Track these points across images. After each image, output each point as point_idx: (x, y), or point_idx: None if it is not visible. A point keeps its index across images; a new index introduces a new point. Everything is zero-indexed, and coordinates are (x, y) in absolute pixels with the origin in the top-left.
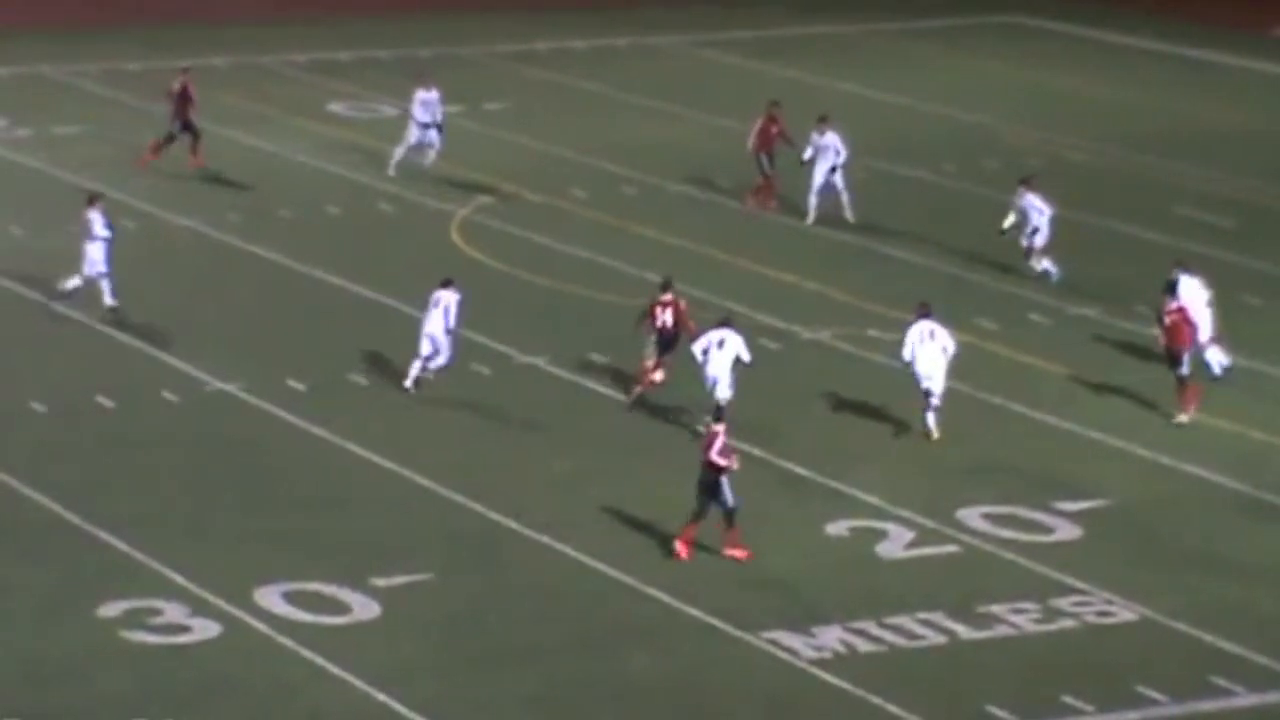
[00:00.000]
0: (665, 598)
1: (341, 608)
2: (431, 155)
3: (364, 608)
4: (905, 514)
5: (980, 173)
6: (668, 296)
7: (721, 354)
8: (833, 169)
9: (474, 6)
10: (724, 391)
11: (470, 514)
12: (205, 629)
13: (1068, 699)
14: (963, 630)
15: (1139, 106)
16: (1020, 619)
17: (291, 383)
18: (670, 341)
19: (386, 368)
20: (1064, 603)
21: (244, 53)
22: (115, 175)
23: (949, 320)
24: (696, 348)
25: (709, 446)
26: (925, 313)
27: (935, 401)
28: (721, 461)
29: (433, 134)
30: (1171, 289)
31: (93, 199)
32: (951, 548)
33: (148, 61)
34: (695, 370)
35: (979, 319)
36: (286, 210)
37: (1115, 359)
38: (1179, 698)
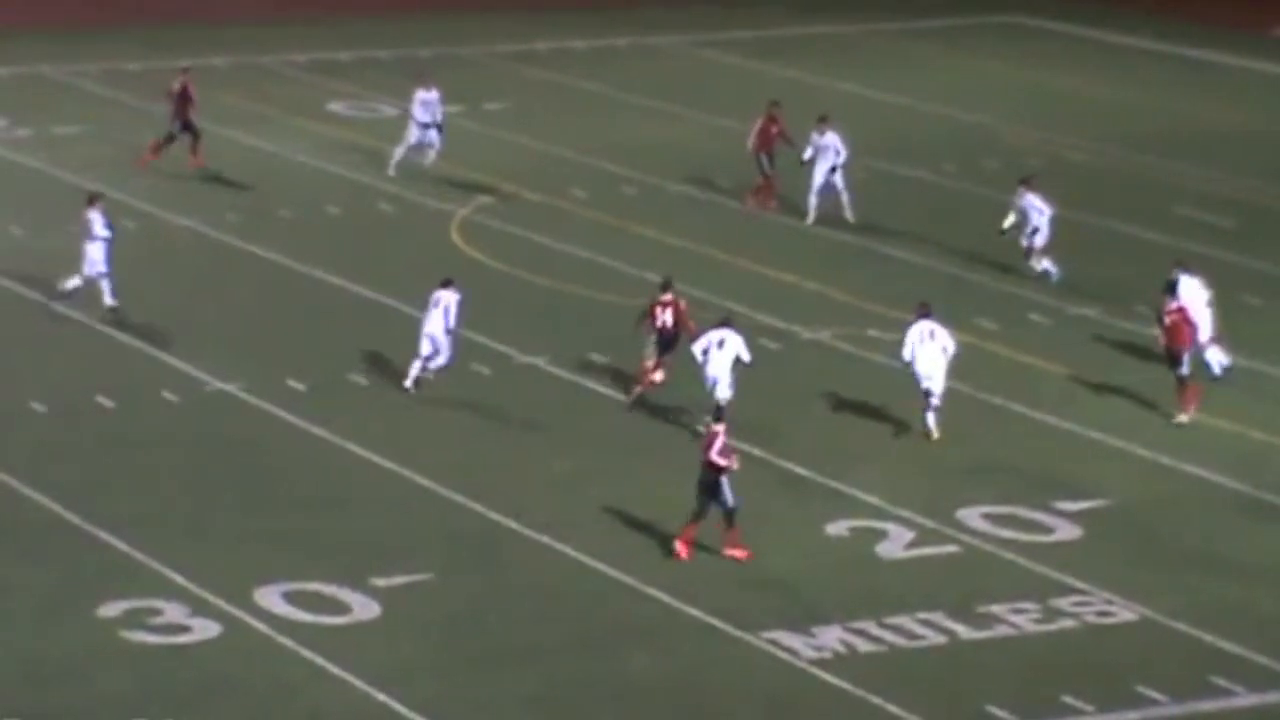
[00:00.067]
0: (665, 598)
1: (341, 608)
2: (432, 155)
3: (364, 608)
4: (905, 514)
5: (980, 173)
6: (668, 296)
7: (722, 354)
8: (833, 169)
9: (474, 6)
10: (724, 391)
11: (470, 514)
12: (205, 629)
13: (1068, 699)
14: (963, 630)
15: (1139, 106)
16: (1020, 619)
17: (291, 383)
18: (670, 341)
19: (386, 368)
20: (1064, 603)
21: (244, 53)
22: (115, 175)
23: (949, 320)
24: (696, 348)
25: (709, 446)
26: (925, 313)
27: (935, 401)
28: (721, 461)
29: (433, 134)
30: (1171, 289)
31: (93, 199)
32: (951, 548)
33: (148, 61)
34: (695, 370)
35: (979, 319)
36: (286, 210)
37: (1115, 359)
38: (1179, 698)
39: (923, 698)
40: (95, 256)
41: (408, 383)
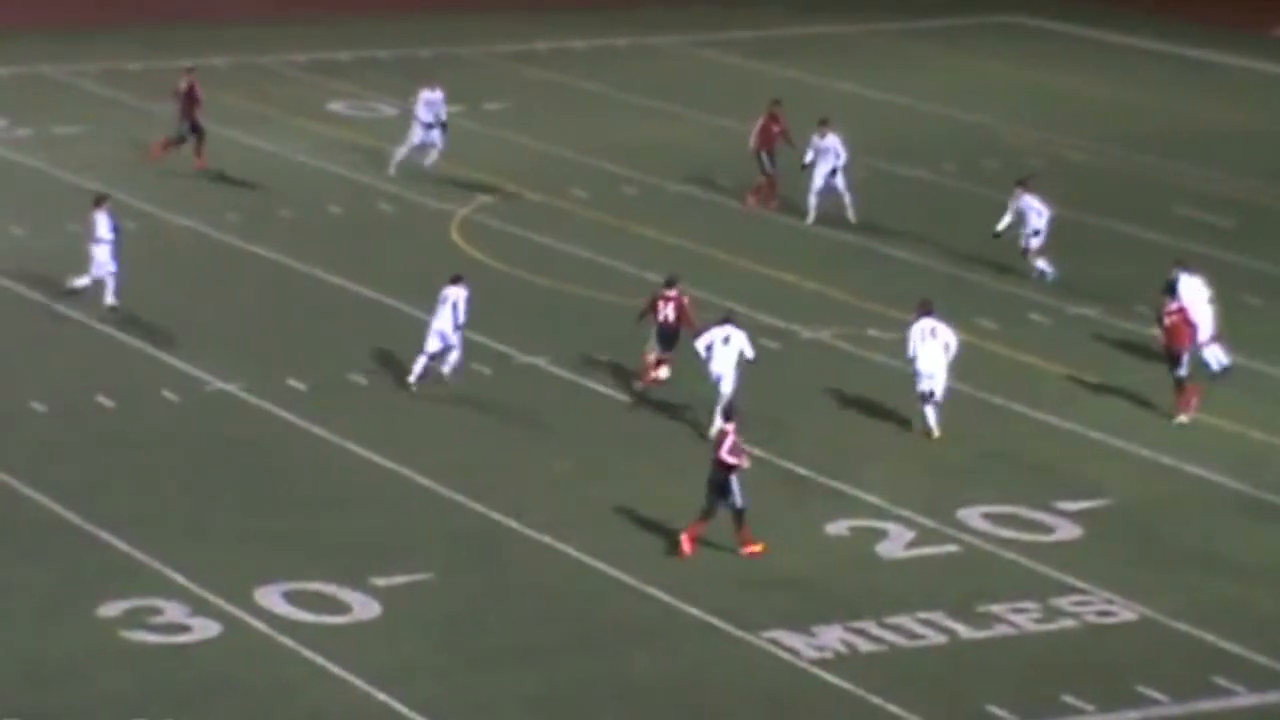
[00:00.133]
0: (665, 598)
1: (341, 607)
2: (433, 155)
3: (364, 607)
4: (905, 514)
5: (980, 173)
6: (672, 292)
7: (727, 349)
8: (833, 171)
9: (474, 6)
10: (727, 387)
11: (470, 514)
12: (205, 629)
13: (1068, 699)
14: (963, 630)
15: (1139, 106)
16: (1020, 619)
17: (291, 383)
18: (671, 337)
19: (387, 368)
20: (1064, 602)
21: (244, 53)
22: (116, 175)
23: (949, 320)
24: (700, 344)
25: (720, 445)
26: (927, 310)
27: (936, 399)
28: (732, 460)
29: (435, 134)
30: (1171, 289)
31: (99, 200)
32: (952, 547)
33: (148, 61)
34: (696, 368)
35: (979, 319)
36: (286, 210)
37: (1115, 359)
38: (1179, 697)
39: (923, 697)
40: (101, 258)
41: (411, 378)
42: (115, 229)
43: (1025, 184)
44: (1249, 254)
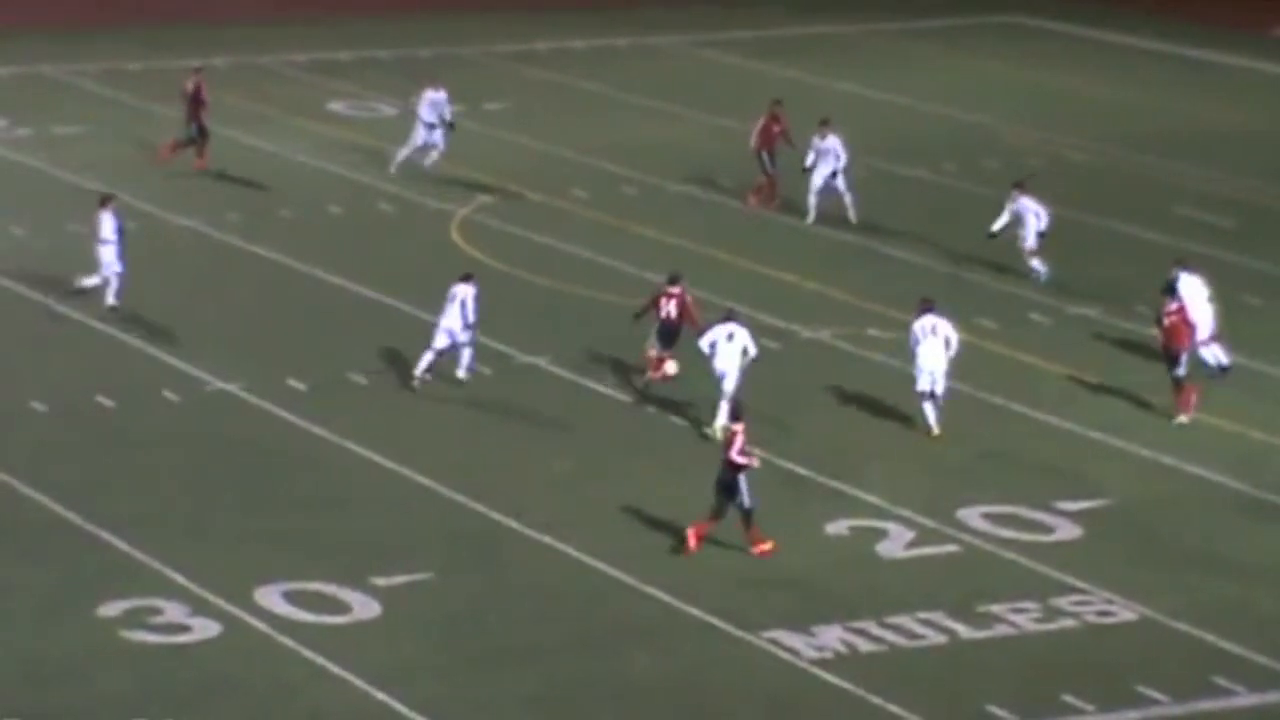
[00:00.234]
0: (665, 598)
1: (341, 607)
2: (434, 155)
3: (364, 607)
4: (905, 513)
5: (980, 173)
6: (675, 289)
7: (731, 346)
8: (833, 173)
9: (474, 6)
10: (730, 385)
11: (470, 514)
12: (205, 629)
13: (1068, 699)
14: (963, 630)
15: (1139, 106)
16: (1020, 618)
17: (291, 383)
18: (672, 334)
19: (387, 368)
20: (1064, 602)
21: (244, 53)
22: (116, 175)
23: (950, 319)
24: (703, 342)
25: (729, 445)
26: (928, 307)
27: (937, 397)
28: (741, 460)
29: (437, 134)
30: (1171, 289)
31: (104, 200)
32: (952, 547)
33: (148, 61)
34: (697, 368)
35: (979, 319)
36: (287, 210)
37: (1115, 359)
38: (1179, 697)
39: (923, 697)
40: (107, 259)
41: (417, 371)
42: (120, 230)
43: (1022, 185)
44: (1249, 254)
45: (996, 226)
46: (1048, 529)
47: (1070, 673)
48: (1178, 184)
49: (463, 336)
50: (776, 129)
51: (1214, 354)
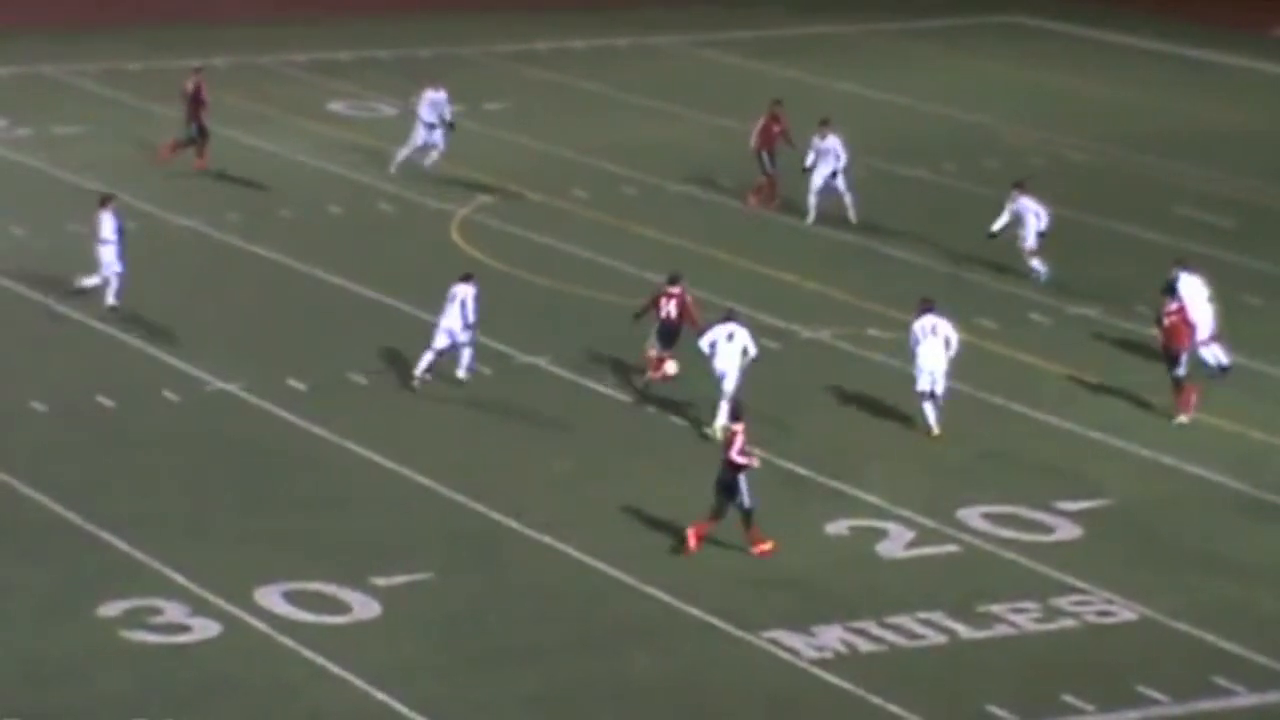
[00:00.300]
0: (665, 598)
1: (341, 607)
2: (434, 155)
3: (364, 607)
4: (905, 513)
5: (980, 173)
6: (675, 289)
7: (731, 346)
8: (833, 173)
9: (474, 6)
10: (730, 385)
11: (470, 514)
12: (205, 629)
13: (1068, 699)
14: (963, 630)
15: (1139, 106)
16: (1020, 619)
17: (291, 383)
18: (672, 334)
19: (386, 368)
20: (1064, 602)
21: (244, 53)
22: (116, 175)
23: (950, 319)
24: (703, 342)
25: (729, 445)
26: (928, 307)
27: (937, 397)
28: (741, 460)
29: (437, 134)
30: (1170, 289)
31: (104, 200)
32: (952, 547)
33: (148, 61)
34: (697, 367)
35: (979, 319)
36: (287, 210)
37: (1115, 359)
38: (1179, 698)
39: (923, 697)
40: (107, 258)
41: (417, 371)
42: (120, 230)
43: (1022, 186)
44: (1249, 254)
45: (996, 226)
46: (1048, 529)
47: (1070, 673)
48: (1178, 184)
49: (463, 336)
50: (777, 129)
51: (1214, 354)
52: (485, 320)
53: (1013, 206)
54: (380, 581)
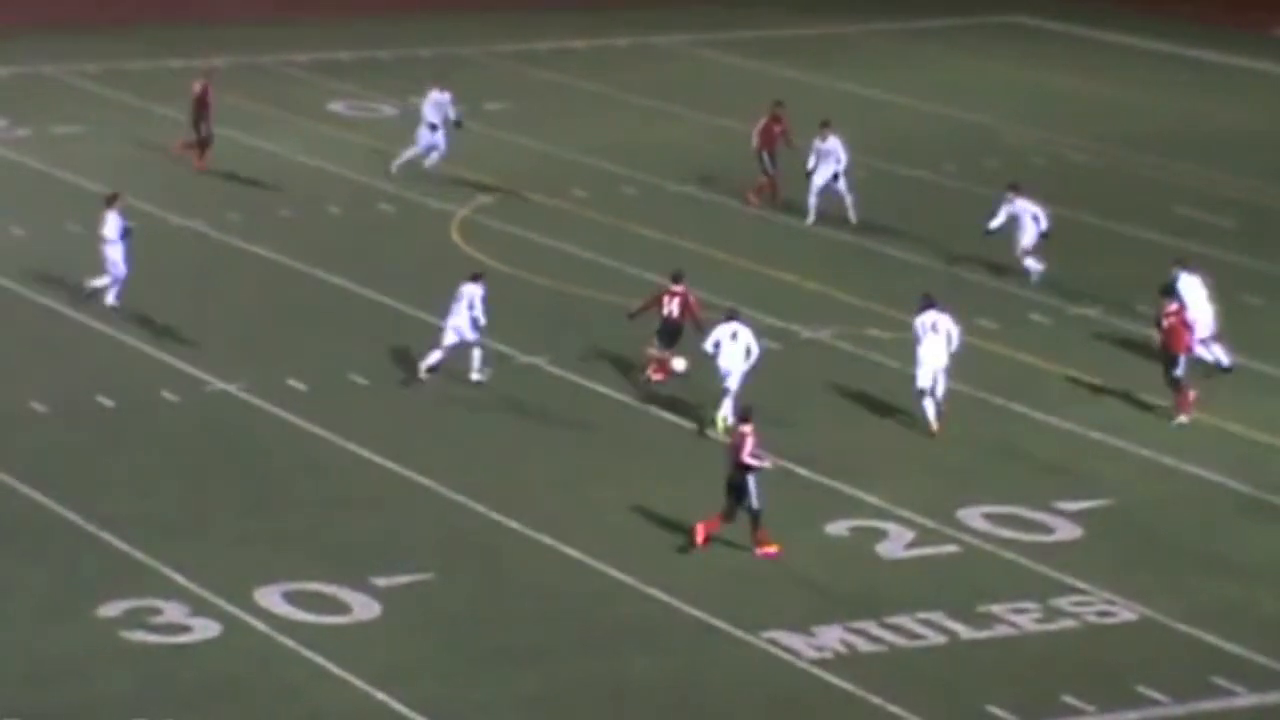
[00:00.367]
0: (665, 598)
1: (341, 608)
2: (434, 156)
3: (364, 608)
4: (905, 514)
5: (980, 173)
6: (678, 288)
7: (735, 345)
8: (835, 175)
9: (474, 6)
10: (734, 384)
11: (470, 514)
12: (205, 629)
13: (1068, 699)
14: (963, 630)
15: (1139, 106)
16: (1020, 619)
17: (291, 383)
18: (673, 334)
19: (387, 368)
20: (1064, 603)
21: (244, 53)
22: (116, 175)
23: (950, 315)
24: (708, 342)
25: (739, 448)
26: (929, 304)
27: (937, 395)
28: (753, 462)
29: (439, 136)
30: (1170, 290)
31: (110, 199)
32: (952, 547)
33: (148, 61)
34: (697, 369)
35: (979, 319)
36: (286, 210)
37: (1115, 359)
38: (1179, 698)
39: (923, 698)
40: (114, 257)
41: (423, 364)
42: (125, 230)
43: (1017, 188)
44: (1249, 254)
45: (994, 224)
46: (1048, 529)
47: (1070, 673)
48: (1178, 184)
49: (470, 336)
50: (777, 129)
51: (1214, 353)
52: (486, 320)
53: (1009, 209)
54: (380, 581)
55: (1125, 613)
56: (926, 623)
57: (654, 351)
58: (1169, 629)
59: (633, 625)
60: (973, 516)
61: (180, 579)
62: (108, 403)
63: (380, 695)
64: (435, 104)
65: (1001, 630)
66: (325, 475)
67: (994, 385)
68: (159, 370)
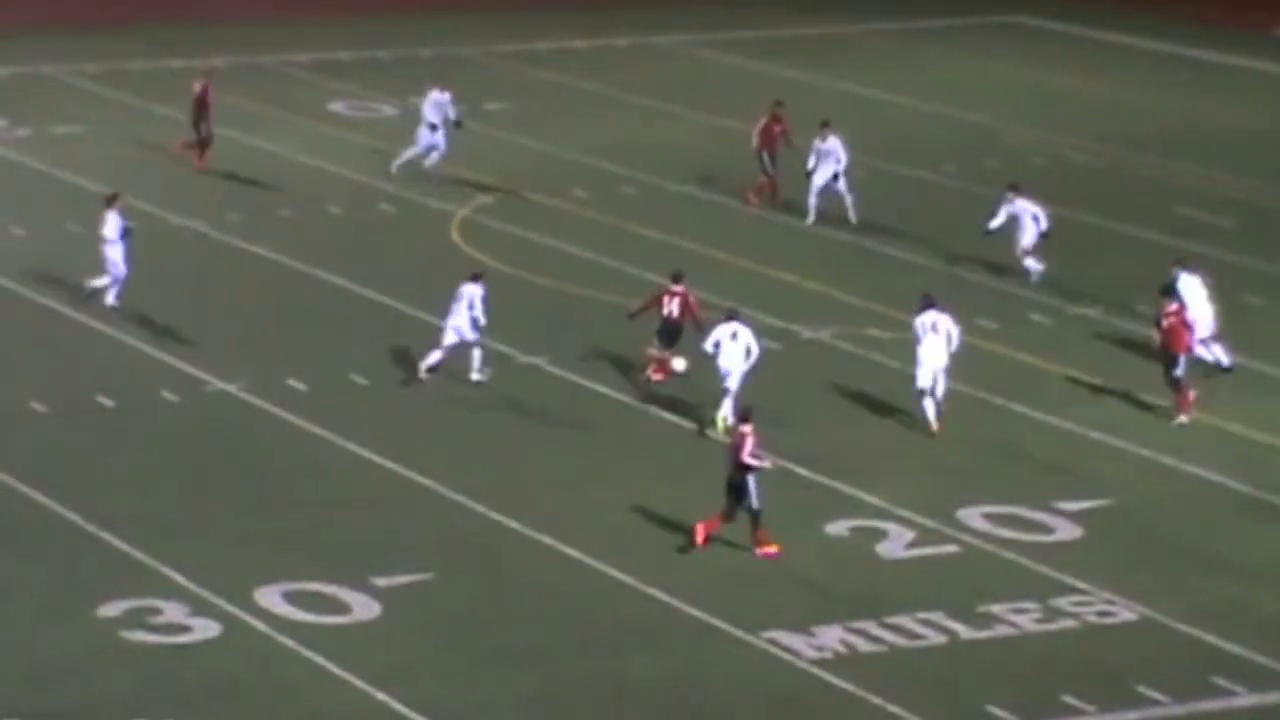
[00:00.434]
0: (665, 598)
1: (341, 608)
2: (434, 156)
3: (364, 608)
4: (905, 514)
5: (980, 173)
6: (678, 288)
7: (735, 345)
8: (835, 175)
9: (474, 6)
10: (734, 383)
11: (470, 514)
12: (205, 629)
13: (1068, 699)
14: (963, 630)
15: (1139, 106)
16: (1020, 619)
17: (291, 383)
18: (673, 334)
19: (387, 368)
20: (1064, 603)
21: (244, 53)
22: (116, 175)
23: (950, 315)
24: (708, 342)
25: (739, 448)
26: (929, 304)
27: (938, 394)
28: (754, 462)
29: (439, 136)
30: (1170, 290)
31: (110, 199)
32: (952, 547)
33: (148, 61)
34: (698, 369)
35: (979, 319)
36: (286, 210)
37: (1115, 359)
38: (1179, 698)
39: (923, 698)
40: (114, 257)
41: (423, 364)
42: (125, 230)
43: (1017, 188)
44: (1249, 254)
45: (993, 224)
46: (1048, 529)
47: (1070, 673)
48: (1178, 184)
49: (470, 336)
50: (777, 129)
51: (1214, 353)
52: (486, 320)
53: (1009, 209)
54: (380, 581)
55: (1125, 613)
56: (926, 623)
57: (654, 351)
58: (1169, 629)
59: (633, 625)
60: (973, 516)
61: (180, 579)
62: (108, 403)
63: (380, 695)
64: (435, 104)
65: (1001, 630)
66: (325, 475)
67: (994, 385)
68: (159, 370)
